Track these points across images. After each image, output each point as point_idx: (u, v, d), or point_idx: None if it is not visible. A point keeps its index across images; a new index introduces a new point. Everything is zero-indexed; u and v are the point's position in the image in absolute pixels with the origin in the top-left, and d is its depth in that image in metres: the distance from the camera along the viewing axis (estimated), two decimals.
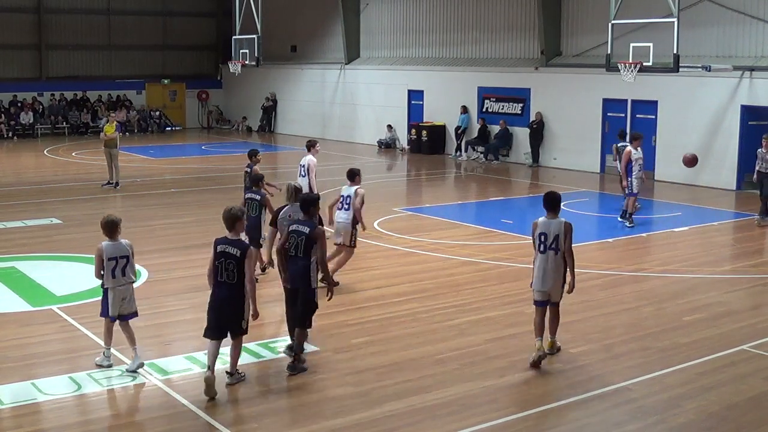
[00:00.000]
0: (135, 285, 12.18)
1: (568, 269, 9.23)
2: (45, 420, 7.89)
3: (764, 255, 15.49)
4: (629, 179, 16.75)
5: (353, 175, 12.62)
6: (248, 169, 14.32)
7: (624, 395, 8.46)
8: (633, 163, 16.72)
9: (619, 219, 17.30)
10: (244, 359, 9.32)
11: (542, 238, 9.22)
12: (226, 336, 8.56)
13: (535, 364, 9.10)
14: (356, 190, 12.42)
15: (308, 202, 9.26)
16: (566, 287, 9.29)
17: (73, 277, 12.93)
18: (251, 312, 8.50)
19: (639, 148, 16.89)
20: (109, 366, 9.05)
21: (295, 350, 9.04)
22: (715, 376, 9.01)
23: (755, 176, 17.47)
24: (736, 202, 20.19)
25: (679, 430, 7.75)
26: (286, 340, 9.92)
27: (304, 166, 15.26)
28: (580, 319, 10.97)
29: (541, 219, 9.32)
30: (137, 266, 12.81)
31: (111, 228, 8.91)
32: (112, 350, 9.38)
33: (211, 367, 8.31)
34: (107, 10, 38.89)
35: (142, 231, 16.48)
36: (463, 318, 11.00)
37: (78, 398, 8.35)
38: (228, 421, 7.79)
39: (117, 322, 9.01)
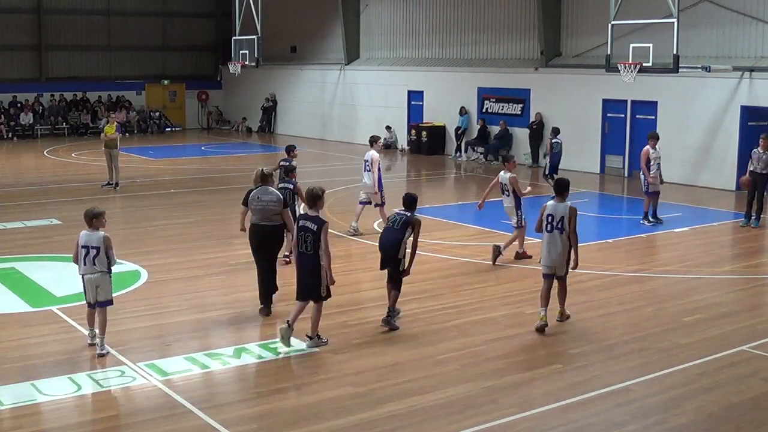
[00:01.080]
0: (135, 285, 12.32)
1: (572, 247, 10.35)
2: (45, 421, 7.89)
3: (764, 255, 15.49)
4: (646, 178, 16.99)
5: (506, 161, 13.80)
6: (285, 163, 14.58)
7: (624, 396, 8.46)
8: (651, 162, 16.93)
9: (642, 221, 17.33)
10: (245, 359, 9.35)
11: (549, 218, 10.39)
12: (308, 300, 9.73)
13: (539, 330, 10.28)
14: (510, 177, 13.60)
15: (413, 200, 10.69)
16: (571, 264, 10.44)
17: (72, 277, 12.83)
18: (328, 279, 9.65)
19: (657, 147, 17.12)
20: (106, 353, 9.43)
21: (390, 307, 10.55)
22: (715, 377, 9.01)
23: (747, 177, 17.14)
24: (735, 202, 20.17)
25: (679, 431, 7.75)
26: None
27: (368, 161, 16.09)
28: (580, 320, 10.97)
29: (550, 202, 10.54)
30: (137, 266, 12.92)
31: (88, 218, 9.46)
32: (113, 351, 9.42)
33: (290, 321, 9.73)
34: (107, 10, 38.91)
35: (142, 231, 16.50)
36: (463, 318, 11.00)
37: (78, 399, 8.35)
38: (228, 421, 7.78)
39: (96, 309, 9.51)
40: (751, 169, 17.02)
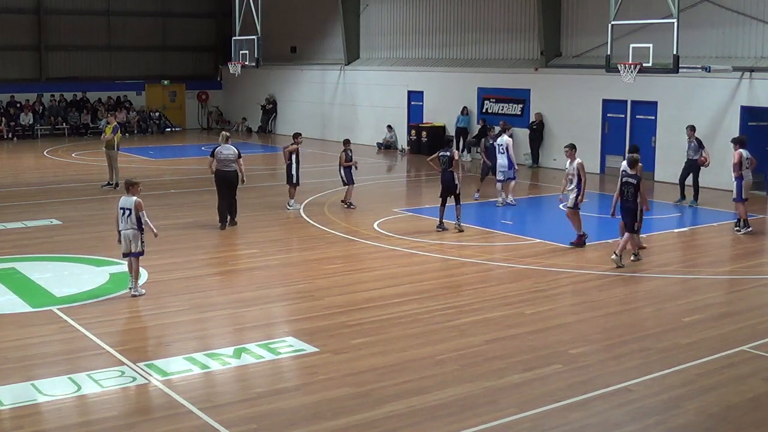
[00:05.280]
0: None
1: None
2: (45, 421, 7.88)
3: (764, 256, 15.49)
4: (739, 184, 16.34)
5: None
6: (446, 152, 16.80)
7: (624, 396, 8.46)
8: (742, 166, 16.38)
9: (738, 229, 16.50)
10: (245, 359, 9.37)
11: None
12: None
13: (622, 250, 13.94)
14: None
15: (635, 160, 14.04)
16: (645, 207, 13.92)
17: (72, 278, 12.92)
18: (639, 215, 13.64)
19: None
20: (140, 294, 11.76)
21: (630, 250, 13.97)
22: (715, 377, 9.01)
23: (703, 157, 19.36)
24: None
25: (679, 431, 7.75)
26: (285, 341, 9.96)
27: (501, 145, 19.57)
28: (581, 320, 10.98)
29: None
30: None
31: (126, 186, 11.92)
32: (113, 351, 9.46)
33: (617, 252, 13.62)
34: (107, 10, 38.90)
35: None
36: (463, 319, 11.00)
37: (78, 399, 8.34)
38: (228, 421, 7.78)
39: (130, 258, 11.76)
40: (690, 157, 19.53)
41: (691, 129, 19.74)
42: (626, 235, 13.79)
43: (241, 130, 39.97)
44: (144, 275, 12.90)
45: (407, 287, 12.49)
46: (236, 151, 16.66)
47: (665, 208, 19.50)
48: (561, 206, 15.84)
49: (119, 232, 11.80)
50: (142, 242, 11.80)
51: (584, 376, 8.97)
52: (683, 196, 19.87)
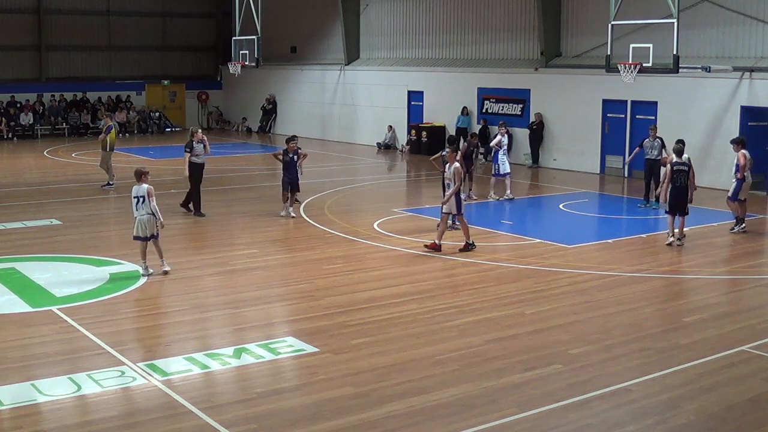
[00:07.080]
0: (135, 285, 12.39)
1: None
2: (45, 421, 7.88)
3: (764, 256, 15.49)
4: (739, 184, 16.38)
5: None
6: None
7: (624, 396, 8.46)
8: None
9: (739, 228, 16.55)
10: (245, 359, 9.37)
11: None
12: (676, 214, 15.07)
13: (670, 245, 15.17)
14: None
15: (681, 150, 15.40)
16: (689, 198, 15.14)
17: (72, 278, 12.92)
18: (690, 197, 15.20)
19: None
20: (150, 275, 12.70)
21: (680, 231, 15.17)
22: (715, 377, 9.01)
23: (644, 164, 19.50)
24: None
25: (679, 431, 7.75)
26: (285, 341, 9.96)
27: (498, 143, 20.33)
28: (580, 320, 10.98)
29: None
30: (137, 266, 12.95)
31: (136, 175, 12.76)
32: (113, 351, 9.48)
33: (671, 234, 15.15)
34: (107, 10, 38.90)
35: None
36: (463, 319, 11.00)
37: (78, 399, 8.34)
38: (228, 421, 7.78)
39: (150, 242, 12.79)
40: (647, 157, 19.38)
41: (655, 128, 19.65)
42: (681, 220, 15.09)
43: (241, 130, 39.97)
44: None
45: (407, 287, 12.49)
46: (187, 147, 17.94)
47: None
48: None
49: (135, 218, 12.74)
50: (158, 226, 12.75)
51: (584, 376, 8.98)
52: (648, 199, 19.36)
